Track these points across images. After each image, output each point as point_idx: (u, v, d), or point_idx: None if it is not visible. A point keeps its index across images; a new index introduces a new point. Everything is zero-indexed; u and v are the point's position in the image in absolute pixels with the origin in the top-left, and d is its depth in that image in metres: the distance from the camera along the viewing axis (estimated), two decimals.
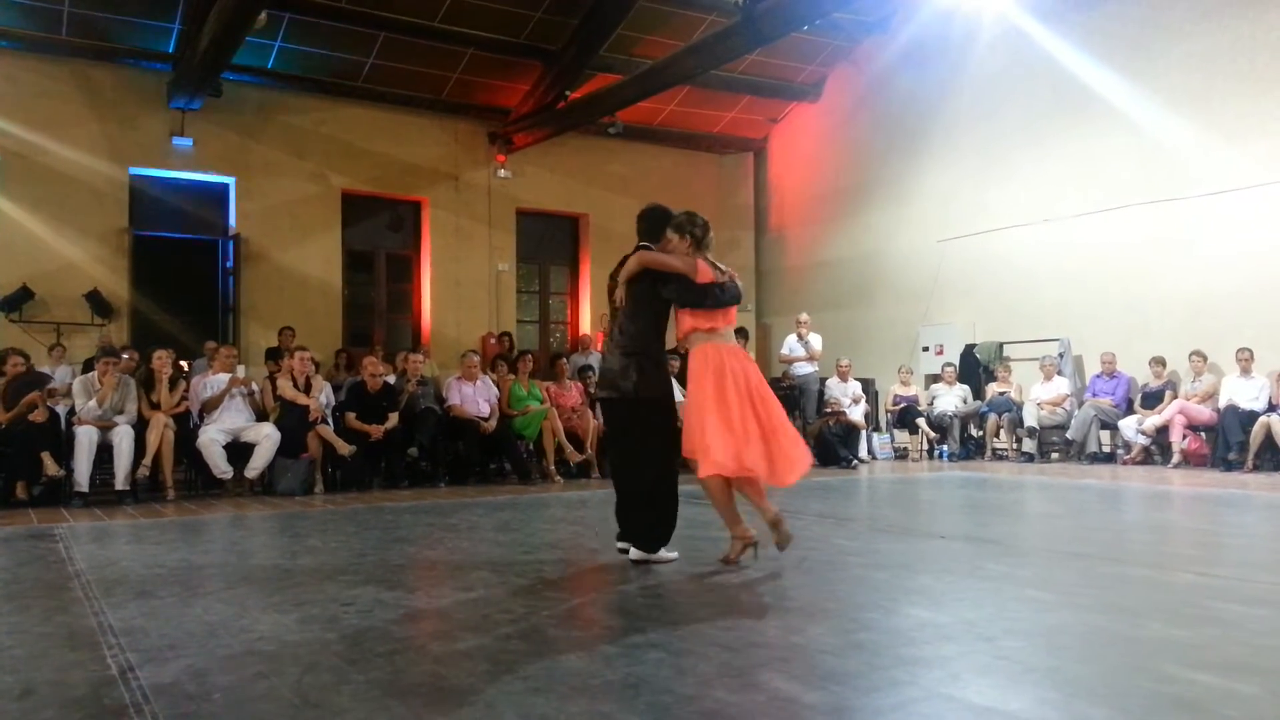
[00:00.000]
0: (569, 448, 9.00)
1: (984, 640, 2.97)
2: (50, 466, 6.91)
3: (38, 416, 7.06)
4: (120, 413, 7.35)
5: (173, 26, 10.55)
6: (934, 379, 11.98)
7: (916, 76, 12.83)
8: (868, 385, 11.82)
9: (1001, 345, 11.78)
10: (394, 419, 8.31)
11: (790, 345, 11.62)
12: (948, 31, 12.33)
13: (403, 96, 12.34)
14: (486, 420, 8.77)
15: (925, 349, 12.49)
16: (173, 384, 7.79)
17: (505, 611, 3.40)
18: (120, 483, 7.12)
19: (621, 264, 4.67)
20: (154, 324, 10.86)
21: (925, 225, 12.71)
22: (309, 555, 4.71)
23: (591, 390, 9.79)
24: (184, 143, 11.15)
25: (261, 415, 8.01)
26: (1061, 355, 10.94)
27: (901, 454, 11.64)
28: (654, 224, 4.73)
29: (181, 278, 11.48)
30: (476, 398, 8.90)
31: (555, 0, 11.29)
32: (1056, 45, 11.13)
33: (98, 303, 10.42)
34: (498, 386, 9.22)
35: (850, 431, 10.62)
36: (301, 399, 7.98)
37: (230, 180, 11.57)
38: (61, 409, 7.48)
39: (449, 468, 8.71)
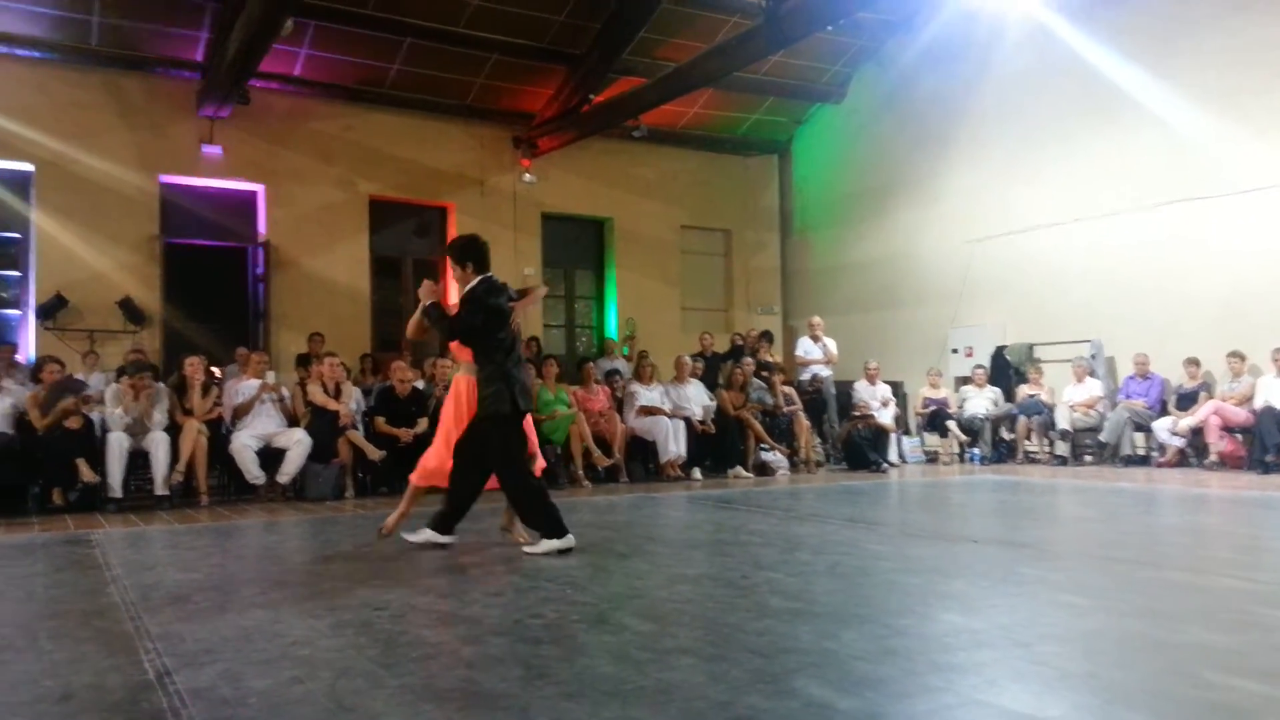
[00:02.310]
0: (596, 452, 9.00)
1: (1019, 646, 2.93)
2: (85, 473, 7.00)
3: (73, 423, 7.16)
4: (149, 420, 7.43)
5: (201, 35, 10.68)
6: (964, 381, 11.88)
7: (942, 76, 12.75)
8: (897, 388, 11.74)
9: (1032, 347, 11.66)
10: (423, 424, 8.34)
11: (805, 348, 11.55)
12: (972, 30, 12.24)
13: (428, 102, 12.41)
14: None
15: (955, 351, 12.40)
16: (205, 390, 7.88)
17: (536, 616, 3.40)
18: (158, 488, 7.22)
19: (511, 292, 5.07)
20: (185, 331, 10.97)
21: (953, 226, 12.62)
22: (341, 560, 4.74)
23: (619, 394, 9.81)
24: (213, 150, 11.27)
25: (292, 421, 8.07)
26: (1094, 356, 10.81)
27: (932, 457, 11.56)
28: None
29: (212, 284, 11.60)
30: None
31: (578, 4, 11.32)
32: (1083, 43, 11.02)
33: (130, 310, 10.55)
34: None
35: (879, 435, 10.55)
36: (331, 404, 8.03)
37: (259, 187, 11.68)
38: (96, 416, 7.57)
39: None
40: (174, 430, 7.49)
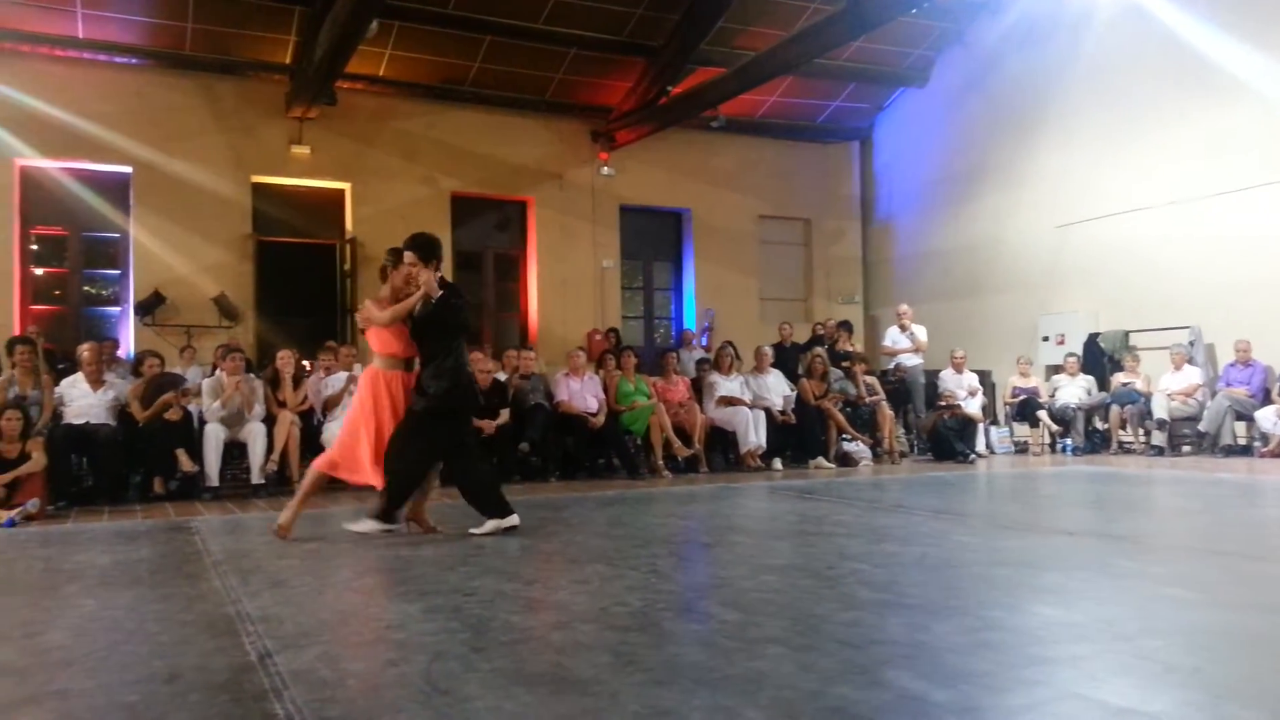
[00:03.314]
0: (677, 442, 9.00)
1: (1120, 639, 2.85)
2: (184, 462, 7.27)
3: (173, 415, 7.43)
4: (249, 412, 7.67)
5: (289, 38, 10.97)
6: (1055, 370, 11.55)
7: (1029, 56, 12.40)
8: (984, 377, 11.47)
9: (1127, 334, 11.28)
10: (505, 414, 8.44)
11: (893, 337, 11.38)
12: (1060, 9, 11.88)
13: (508, 98, 12.54)
14: (595, 416, 8.85)
15: (1045, 339, 12.06)
16: (296, 383, 8.10)
17: (622, 604, 3.41)
18: (254, 477, 7.46)
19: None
20: (277, 325, 11.30)
21: (1042, 210, 12.27)
22: (430, 546, 4.83)
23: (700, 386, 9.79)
24: (302, 150, 11.58)
25: None
26: (1192, 343, 10.41)
27: (1021, 448, 11.27)
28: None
29: (302, 280, 11.92)
30: (584, 393, 8.98)
31: None
32: (1179, 17, 10.60)
33: (225, 306, 10.91)
34: (605, 382, 9.29)
35: (966, 425, 10.32)
36: None
37: (346, 185, 11.96)
38: (194, 408, 7.85)
39: (559, 463, 8.82)
40: (268, 422, 7.72)
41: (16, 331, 9.54)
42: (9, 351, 7.67)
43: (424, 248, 5.13)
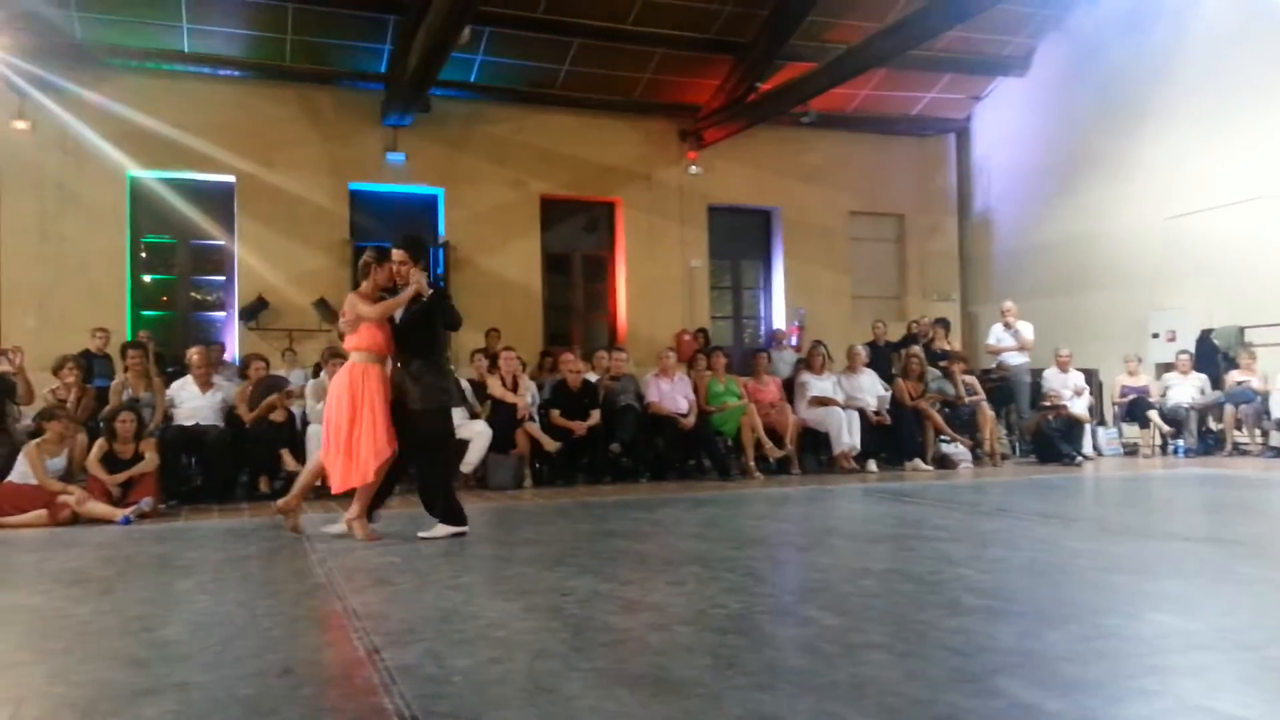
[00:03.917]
0: (768, 443, 8.91)
1: (1244, 649, 2.73)
2: (289, 462, 7.48)
3: (278, 417, 7.67)
4: None
5: (384, 48, 11.24)
6: (1166, 368, 11.08)
7: (1134, 42, 11.95)
8: (1090, 376, 11.04)
9: (1243, 330, 10.76)
10: (596, 416, 8.49)
11: (997, 335, 11.07)
12: None
13: (596, 100, 12.62)
14: (685, 417, 8.82)
15: (1155, 336, 11.59)
16: None
17: (719, 606, 3.38)
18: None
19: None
20: None
21: (1150, 201, 11.79)
22: (526, 546, 4.88)
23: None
24: (397, 157, 11.86)
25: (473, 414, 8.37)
26: None
27: (1131, 450, 10.85)
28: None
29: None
30: (674, 394, 8.96)
31: None
32: None
33: (324, 310, 11.22)
34: (695, 383, 9.25)
35: (1072, 426, 9.97)
36: (510, 398, 8.29)
37: (439, 191, 12.20)
38: (297, 409, 8.08)
39: (649, 464, 8.83)
40: None
41: (129, 337, 9.99)
42: (122, 356, 8.03)
43: (413, 247, 5.28)
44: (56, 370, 7.45)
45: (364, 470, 5.02)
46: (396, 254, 5.21)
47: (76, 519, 6.09)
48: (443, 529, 5.12)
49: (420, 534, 5.11)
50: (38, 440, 6.40)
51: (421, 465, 5.36)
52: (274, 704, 2.39)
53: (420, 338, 5.21)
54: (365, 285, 5.32)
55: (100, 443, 6.54)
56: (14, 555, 5.02)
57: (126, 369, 7.75)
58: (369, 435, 5.02)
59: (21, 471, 6.26)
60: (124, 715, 2.33)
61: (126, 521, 6.04)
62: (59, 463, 6.41)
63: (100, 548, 5.09)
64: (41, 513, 6.07)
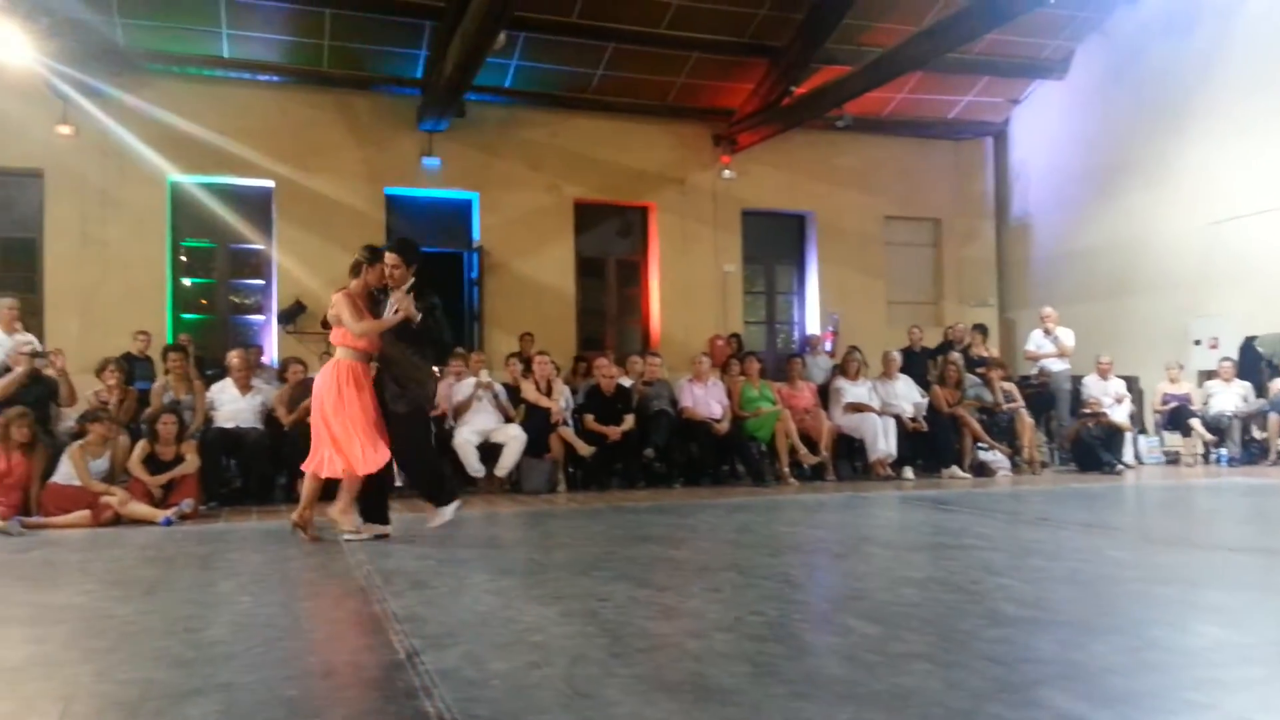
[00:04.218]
0: (803, 449, 8.87)
1: None
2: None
3: None
4: None
5: (420, 53, 11.32)
6: (1208, 375, 10.90)
7: (1176, 45, 11.76)
8: (1131, 383, 10.88)
9: None
10: (630, 421, 8.49)
11: (1036, 341, 10.94)
12: None
13: (630, 104, 12.62)
14: (719, 422, 8.79)
15: (1197, 342, 11.39)
16: None
17: (757, 614, 3.36)
18: (397, 479, 7.67)
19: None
20: None
21: (1192, 206, 11.59)
22: (561, 550, 4.89)
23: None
24: (432, 162, 11.92)
25: (508, 418, 8.40)
26: None
27: (1172, 458, 10.67)
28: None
29: (431, 288, 12.23)
30: (708, 399, 8.94)
31: None
32: None
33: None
34: (728, 388, 9.23)
35: (1113, 434, 9.82)
36: (544, 402, 8.31)
37: (474, 195, 12.26)
38: None
39: (683, 469, 8.81)
40: None
41: (169, 340, 10.13)
42: (163, 358, 8.14)
43: (407, 251, 5.35)
44: (99, 372, 7.56)
45: (353, 462, 5.13)
46: (390, 257, 5.29)
47: (119, 520, 6.18)
48: (448, 511, 5.35)
49: (431, 524, 5.33)
50: (81, 442, 6.51)
51: (407, 464, 5.55)
52: (317, 705, 2.41)
53: (404, 342, 5.31)
54: (354, 284, 5.40)
55: (142, 444, 6.64)
56: (59, 555, 5.10)
57: (168, 371, 7.86)
58: (357, 428, 5.13)
59: (65, 473, 6.36)
60: (170, 714, 2.36)
61: (168, 523, 6.12)
62: (102, 464, 6.51)
63: (142, 548, 5.16)
64: (85, 513, 6.17)
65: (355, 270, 5.44)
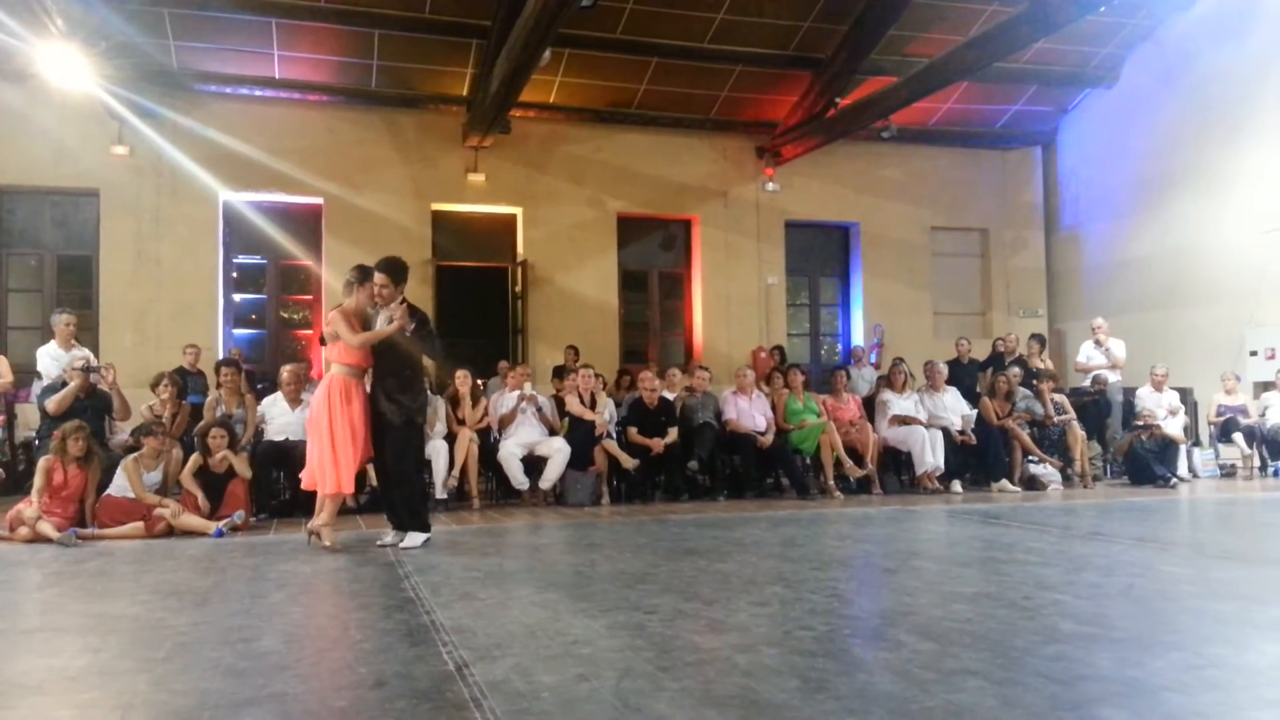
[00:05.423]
0: (848, 462, 8.78)
1: None
2: (373, 478, 7.60)
3: None
4: (431, 430, 7.97)
5: (466, 71, 11.45)
6: (1265, 387, 10.62)
7: (1229, 52, 11.54)
8: (1185, 395, 10.64)
9: None
10: (673, 433, 8.46)
11: (1088, 353, 10.76)
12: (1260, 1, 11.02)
13: (673, 119, 12.66)
14: (763, 434, 8.74)
15: (1254, 353, 11.13)
16: (473, 400, 8.38)
17: (806, 628, 3.33)
18: (437, 491, 7.73)
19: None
20: (454, 346, 11.72)
21: (1246, 215, 11.36)
22: (607, 563, 4.87)
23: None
24: (477, 178, 12.04)
25: (552, 430, 8.42)
26: None
27: (1228, 471, 10.38)
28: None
29: (476, 302, 12.37)
30: (752, 412, 8.90)
31: (824, 8, 11.16)
32: None
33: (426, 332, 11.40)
34: (772, 400, 9.17)
35: (1167, 446, 9.60)
36: (588, 415, 8.33)
37: (518, 210, 12.36)
38: None
39: (727, 482, 8.76)
40: (449, 439, 8.01)
41: (221, 354, 10.31)
42: (216, 373, 8.28)
43: (395, 271, 5.51)
44: (154, 386, 7.71)
45: (341, 479, 5.34)
46: (379, 277, 5.47)
47: (172, 531, 6.28)
48: (416, 537, 5.51)
49: (401, 545, 5.44)
50: (135, 455, 6.63)
51: (395, 478, 5.61)
52: (369, 716, 2.43)
53: (397, 357, 5.47)
54: (348, 303, 5.60)
55: (195, 457, 6.76)
56: (114, 566, 5.19)
57: (220, 385, 7.99)
58: (347, 446, 5.32)
59: (120, 485, 6.48)
60: None
61: (219, 534, 6.21)
62: (155, 476, 6.63)
63: (195, 560, 5.24)
64: (139, 525, 6.28)
65: (348, 290, 5.65)
